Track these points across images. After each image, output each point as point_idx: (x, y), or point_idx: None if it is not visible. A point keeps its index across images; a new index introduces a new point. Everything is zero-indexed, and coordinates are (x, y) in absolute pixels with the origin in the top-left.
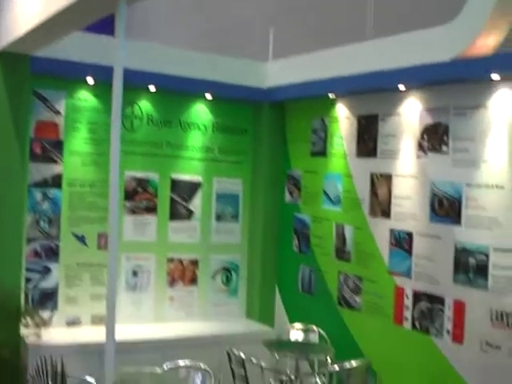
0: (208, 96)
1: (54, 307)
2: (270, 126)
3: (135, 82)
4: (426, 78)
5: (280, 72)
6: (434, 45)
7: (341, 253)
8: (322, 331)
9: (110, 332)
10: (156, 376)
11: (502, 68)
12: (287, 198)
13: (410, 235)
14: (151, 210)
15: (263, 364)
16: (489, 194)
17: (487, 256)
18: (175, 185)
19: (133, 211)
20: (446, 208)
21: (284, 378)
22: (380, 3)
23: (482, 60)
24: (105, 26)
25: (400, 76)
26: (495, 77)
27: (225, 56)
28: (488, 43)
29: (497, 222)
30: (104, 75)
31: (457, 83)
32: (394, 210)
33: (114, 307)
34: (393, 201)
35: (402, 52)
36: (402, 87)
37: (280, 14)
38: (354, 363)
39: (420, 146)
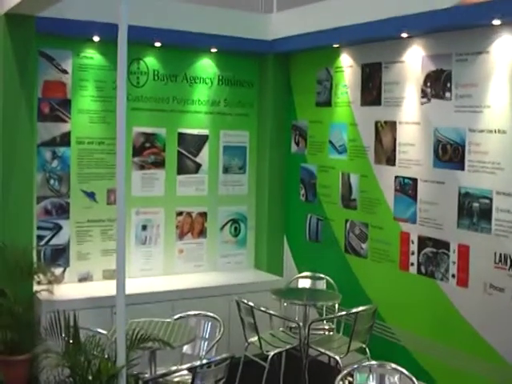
0: (213, 50)
1: (66, 263)
2: (276, 78)
3: (140, 38)
4: (428, 25)
5: (284, 23)
6: None
7: (347, 201)
8: (329, 279)
9: (121, 285)
10: (166, 325)
11: (503, 13)
12: (293, 148)
13: (414, 181)
14: (159, 164)
15: (272, 311)
16: (491, 139)
17: (490, 200)
18: (182, 139)
19: (141, 166)
20: (449, 153)
21: (293, 324)
22: None
23: (483, 6)
24: None
25: (403, 24)
26: (496, 22)
27: (229, 9)
28: None
29: (499, 166)
30: (109, 32)
31: (459, 29)
32: (398, 156)
33: (124, 261)
34: (397, 148)
35: (404, 0)
36: (404, 35)
37: None
38: (360, 309)
39: (423, 93)
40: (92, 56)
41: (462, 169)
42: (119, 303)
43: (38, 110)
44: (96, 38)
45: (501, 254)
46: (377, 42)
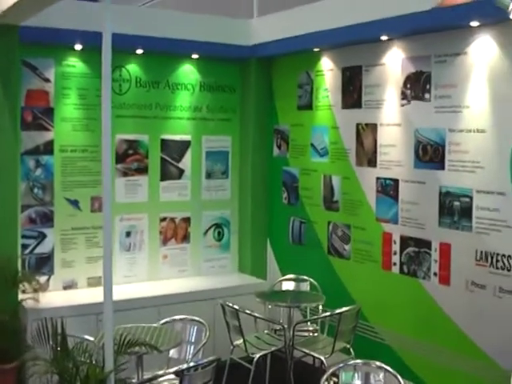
0: (194, 56)
1: (51, 271)
2: (257, 83)
3: (122, 45)
4: (407, 27)
5: (265, 28)
6: None
7: (329, 203)
8: (313, 280)
9: (108, 290)
10: (153, 330)
11: (481, 15)
12: (275, 152)
13: (395, 182)
14: (142, 171)
15: (257, 314)
16: (471, 138)
17: (471, 198)
18: (165, 145)
19: (124, 173)
20: (429, 154)
21: (277, 327)
22: None
23: (461, 8)
24: None
25: (382, 27)
26: (474, 24)
27: (210, 15)
28: None
29: (479, 164)
30: (91, 41)
31: (438, 31)
32: (379, 158)
33: (111, 267)
34: (378, 149)
35: (383, 3)
36: (384, 38)
37: None
38: (344, 309)
39: (403, 95)
40: (74, 64)
41: (443, 168)
42: (107, 308)
43: (21, 118)
44: (78, 46)
45: (482, 252)
46: (357, 45)
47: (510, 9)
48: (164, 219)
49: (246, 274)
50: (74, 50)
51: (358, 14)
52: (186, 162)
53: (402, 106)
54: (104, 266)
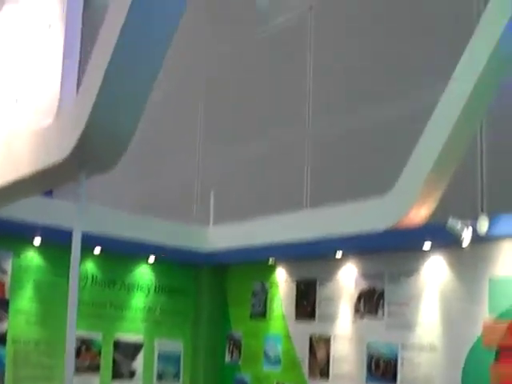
0: (151, 258)
1: None
2: (211, 288)
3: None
4: (362, 246)
5: (220, 237)
6: (370, 215)
7: None
8: None
9: None
10: None
11: (432, 237)
12: (227, 358)
13: None
14: (94, 369)
15: None
16: (423, 354)
17: None
18: (118, 345)
19: (76, 370)
20: (382, 368)
21: None
22: (316, 175)
23: (414, 230)
24: None
25: (337, 244)
26: (427, 245)
27: (167, 220)
28: (420, 214)
29: (431, 379)
30: (50, 236)
31: (391, 251)
32: (332, 370)
33: None
34: (331, 362)
35: (339, 221)
36: (339, 254)
37: (220, 183)
38: None
39: (357, 310)
40: (32, 257)
41: (395, 383)
42: None
43: None
44: (37, 240)
45: None
46: (312, 259)
47: (462, 237)
48: None
49: None
50: (33, 243)
51: (314, 230)
52: (138, 363)
53: (355, 320)
54: None
